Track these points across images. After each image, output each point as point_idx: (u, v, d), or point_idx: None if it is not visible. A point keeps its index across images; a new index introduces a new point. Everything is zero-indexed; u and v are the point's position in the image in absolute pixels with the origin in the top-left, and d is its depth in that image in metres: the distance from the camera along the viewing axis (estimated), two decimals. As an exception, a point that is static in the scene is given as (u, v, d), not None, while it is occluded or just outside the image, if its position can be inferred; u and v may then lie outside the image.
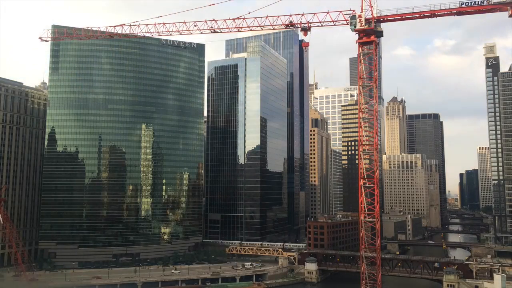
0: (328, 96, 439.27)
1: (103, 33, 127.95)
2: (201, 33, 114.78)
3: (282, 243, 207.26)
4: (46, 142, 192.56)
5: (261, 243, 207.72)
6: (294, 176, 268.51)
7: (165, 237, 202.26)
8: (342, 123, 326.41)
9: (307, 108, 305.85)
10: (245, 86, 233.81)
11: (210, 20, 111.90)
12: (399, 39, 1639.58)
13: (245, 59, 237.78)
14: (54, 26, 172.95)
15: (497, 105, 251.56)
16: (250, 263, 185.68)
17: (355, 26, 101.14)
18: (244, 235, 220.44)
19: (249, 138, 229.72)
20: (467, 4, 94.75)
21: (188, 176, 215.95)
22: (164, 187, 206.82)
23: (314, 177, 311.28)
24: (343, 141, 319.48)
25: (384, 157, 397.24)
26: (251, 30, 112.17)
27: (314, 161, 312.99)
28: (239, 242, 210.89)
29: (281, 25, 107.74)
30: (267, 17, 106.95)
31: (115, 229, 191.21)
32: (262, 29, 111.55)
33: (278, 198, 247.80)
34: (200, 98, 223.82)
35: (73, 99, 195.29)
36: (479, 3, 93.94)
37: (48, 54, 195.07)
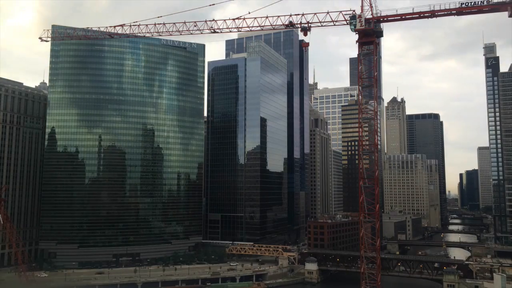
0: (328, 96, 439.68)
1: (103, 33, 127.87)
2: (201, 33, 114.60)
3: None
4: (46, 142, 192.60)
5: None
6: (294, 176, 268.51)
7: (165, 237, 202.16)
8: (342, 123, 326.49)
9: (307, 108, 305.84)
10: (245, 86, 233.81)
11: (210, 20, 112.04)
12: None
13: (245, 59, 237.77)
14: (54, 26, 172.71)
15: (497, 105, 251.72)
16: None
17: (355, 26, 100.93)
18: (244, 235, 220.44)
19: (249, 138, 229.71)
20: (467, 4, 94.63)
21: (188, 176, 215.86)
22: (164, 187, 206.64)
23: (314, 177, 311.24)
24: (343, 141, 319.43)
25: (384, 157, 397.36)
26: (251, 30, 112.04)
27: (314, 161, 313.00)
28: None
29: (281, 25, 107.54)
30: (267, 17, 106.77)
31: (115, 229, 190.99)
32: (262, 29, 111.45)
33: (278, 198, 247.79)
34: (200, 98, 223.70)
35: (73, 99, 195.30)
36: (479, 3, 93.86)
37: (48, 54, 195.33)
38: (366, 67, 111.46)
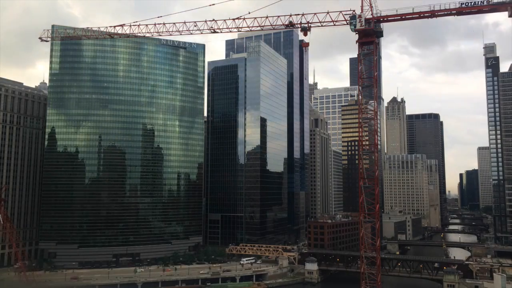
0: (328, 96, 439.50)
1: (103, 33, 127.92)
2: (201, 33, 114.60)
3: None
4: (46, 142, 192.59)
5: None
6: (294, 176, 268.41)
7: (165, 237, 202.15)
8: (342, 123, 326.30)
9: (307, 108, 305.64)
10: (245, 86, 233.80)
11: (210, 20, 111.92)
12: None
13: (245, 59, 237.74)
14: (54, 26, 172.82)
15: (497, 105, 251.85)
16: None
17: (355, 26, 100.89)
18: (244, 235, 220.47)
19: (249, 138, 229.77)
20: (467, 4, 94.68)
21: (188, 176, 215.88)
22: (164, 187, 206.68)
23: (314, 177, 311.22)
24: (343, 141, 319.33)
25: (384, 157, 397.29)
26: (251, 30, 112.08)
27: (314, 161, 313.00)
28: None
29: (281, 25, 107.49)
30: (267, 17, 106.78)
31: (115, 229, 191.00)
32: (262, 29, 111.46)
33: (278, 198, 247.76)
34: (200, 98, 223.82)
35: (73, 99, 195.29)
36: (479, 3, 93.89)
37: (48, 54, 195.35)
38: (366, 67, 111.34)
